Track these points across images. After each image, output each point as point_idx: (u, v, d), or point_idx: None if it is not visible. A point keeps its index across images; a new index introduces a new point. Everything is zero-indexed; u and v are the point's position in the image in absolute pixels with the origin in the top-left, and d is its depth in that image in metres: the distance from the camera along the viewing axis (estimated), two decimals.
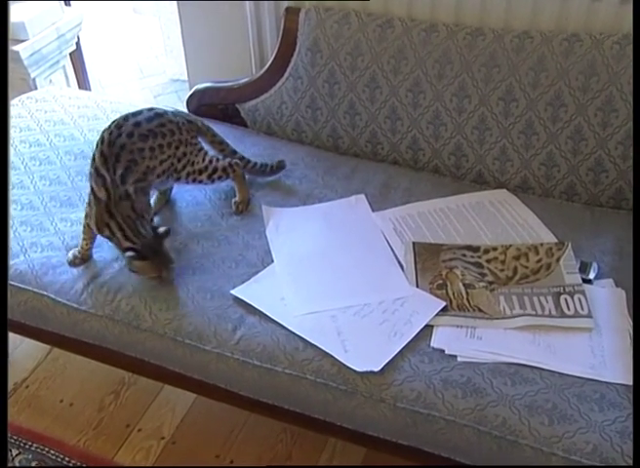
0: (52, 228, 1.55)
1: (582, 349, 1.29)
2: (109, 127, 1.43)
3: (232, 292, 1.39)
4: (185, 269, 1.44)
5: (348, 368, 1.24)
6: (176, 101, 2.98)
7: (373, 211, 1.61)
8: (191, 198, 1.64)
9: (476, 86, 1.64)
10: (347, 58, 1.71)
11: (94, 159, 1.41)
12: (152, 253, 1.36)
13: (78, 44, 2.52)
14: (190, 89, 1.97)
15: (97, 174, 1.38)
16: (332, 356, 1.26)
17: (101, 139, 1.41)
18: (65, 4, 2.47)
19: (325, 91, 1.76)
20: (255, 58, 1.93)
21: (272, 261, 1.46)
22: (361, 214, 1.60)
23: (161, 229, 1.38)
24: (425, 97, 1.68)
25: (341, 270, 1.44)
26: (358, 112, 1.76)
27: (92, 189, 1.39)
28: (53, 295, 1.43)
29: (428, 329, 1.32)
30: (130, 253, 1.34)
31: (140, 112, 1.45)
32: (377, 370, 1.23)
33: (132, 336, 1.40)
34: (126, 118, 1.43)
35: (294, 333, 1.30)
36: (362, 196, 1.65)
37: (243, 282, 1.41)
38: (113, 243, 1.39)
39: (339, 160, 1.77)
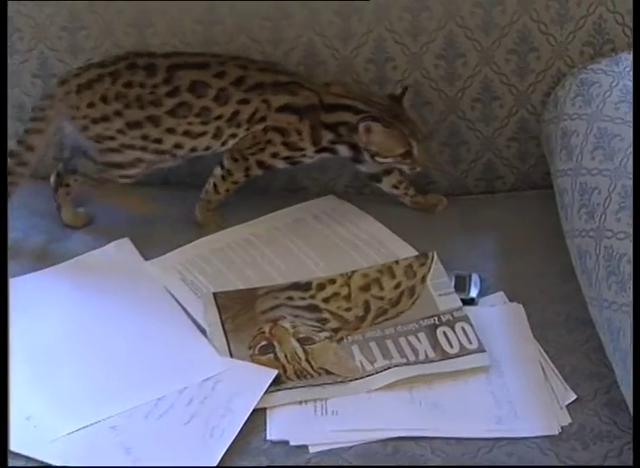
0: None
1: (481, 398, 1.31)
2: None
3: None
4: None
5: None
6: None
7: (146, 259, 1.60)
8: None
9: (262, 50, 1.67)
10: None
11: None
12: (395, 119, 1.52)
13: None
14: None
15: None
16: None
17: None
18: None
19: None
20: None
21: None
22: (129, 267, 1.59)
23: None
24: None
25: (113, 356, 1.41)
26: None
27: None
28: None
29: (260, 414, 1.30)
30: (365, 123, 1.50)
31: None
32: None
33: None
34: None
35: None
36: (126, 240, 1.64)
37: None
38: (339, 145, 1.57)
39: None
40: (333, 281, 1.51)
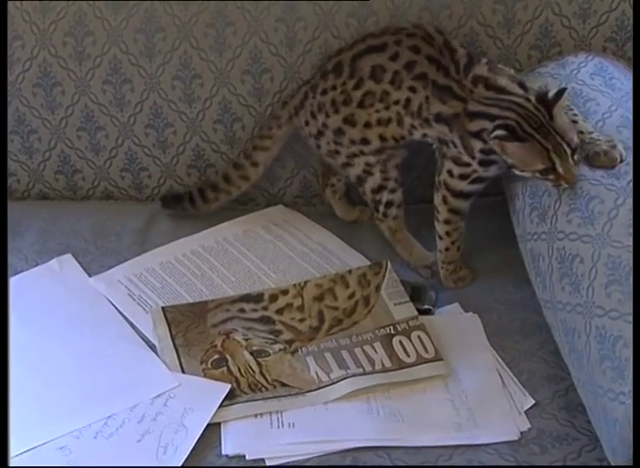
0: None
1: (440, 406, 1.32)
2: None
3: None
4: None
5: None
6: None
7: (90, 275, 1.60)
8: None
9: (135, 64, 1.69)
10: None
11: None
12: (536, 130, 1.35)
13: None
14: None
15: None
16: None
17: None
18: None
19: None
20: None
21: None
22: (72, 284, 1.58)
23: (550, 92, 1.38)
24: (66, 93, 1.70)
25: (60, 375, 1.41)
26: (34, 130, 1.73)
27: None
28: None
29: (214, 429, 1.29)
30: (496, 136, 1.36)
31: None
32: None
33: None
34: None
35: None
36: (68, 256, 1.63)
37: None
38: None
39: (20, 209, 1.73)
40: (285, 292, 1.52)
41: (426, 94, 1.46)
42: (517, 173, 1.39)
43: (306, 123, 1.57)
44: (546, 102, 1.36)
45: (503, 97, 1.41)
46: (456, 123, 1.44)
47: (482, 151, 1.42)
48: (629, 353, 1.11)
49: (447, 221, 1.50)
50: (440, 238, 1.52)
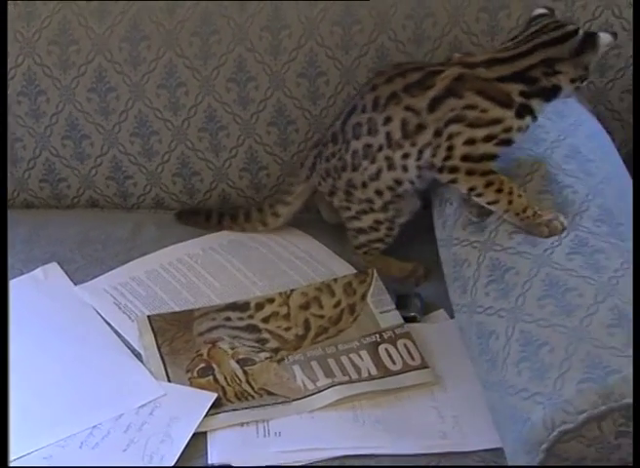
0: None
1: (425, 414, 1.33)
2: None
3: None
4: None
5: None
6: None
7: (75, 283, 1.60)
8: None
9: (120, 72, 1.70)
10: None
11: None
12: None
13: None
14: None
15: None
16: None
17: None
18: None
19: None
20: None
21: None
22: (58, 293, 1.58)
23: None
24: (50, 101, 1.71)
25: (45, 385, 1.41)
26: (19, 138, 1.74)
27: None
28: None
29: (200, 438, 1.30)
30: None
31: None
32: None
33: None
34: None
35: None
36: (53, 265, 1.64)
37: None
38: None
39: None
40: (271, 300, 1.52)
41: (404, 104, 1.45)
42: (585, 85, 1.42)
43: (319, 183, 1.59)
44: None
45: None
46: (460, 86, 1.41)
47: (523, 94, 1.39)
48: (555, 359, 1.13)
49: (489, 184, 1.39)
50: (492, 203, 1.39)
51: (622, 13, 1.62)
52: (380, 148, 1.47)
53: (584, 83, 1.41)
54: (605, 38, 1.37)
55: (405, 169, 1.47)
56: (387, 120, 1.45)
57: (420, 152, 1.44)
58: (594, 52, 1.37)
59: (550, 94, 1.41)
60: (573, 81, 1.40)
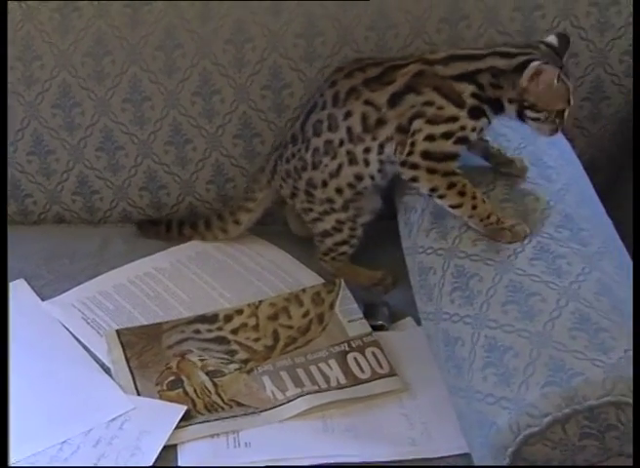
0: None
1: (394, 421, 1.35)
2: None
3: None
4: None
5: None
6: None
7: (43, 299, 1.60)
8: None
9: (85, 87, 1.71)
10: None
11: None
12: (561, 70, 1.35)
13: None
14: None
15: None
16: None
17: None
18: None
19: None
20: None
21: None
22: (25, 308, 1.57)
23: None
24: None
25: (12, 402, 1.34)
26: None
27: None
28: None
29: (171, 450, 1.30)
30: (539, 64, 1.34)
31: None
32: None
33: None
34: None
35: None
36: (21, 281, 1.63)
37: None
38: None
39: None
40: (240, 311, 1.53)
41: (364, 99, 1.46)
42: (530, 115, 1.37)
43: (281, 186, 1.61)
44: (554, 48, 1.40)
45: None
46: (419, 82, 1.42)
47: (474, 96, 1.39)
48: (519, 363, 1.14)
49: (451, 185, 1.38)
50: (455, 207, 1.38)
51: (580, 22, 1.65)
52: (342, 143, 1.48)
53: (529, 114, 1.37)
54: (535, 67, 1.33)
55: (367, 163, 1.48)
56: (348, 114, 1.47)
57: (382, 146, 1.46)
58: (521, 75, 1.34)
59: (496, 106, 1.40)
60: (510, 102, 1.38)
